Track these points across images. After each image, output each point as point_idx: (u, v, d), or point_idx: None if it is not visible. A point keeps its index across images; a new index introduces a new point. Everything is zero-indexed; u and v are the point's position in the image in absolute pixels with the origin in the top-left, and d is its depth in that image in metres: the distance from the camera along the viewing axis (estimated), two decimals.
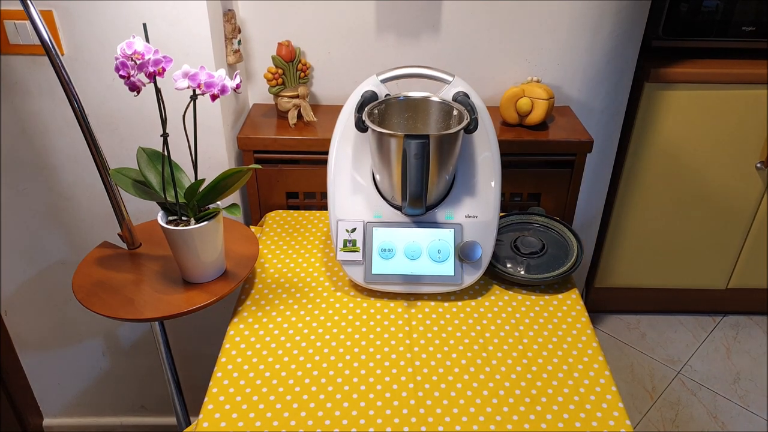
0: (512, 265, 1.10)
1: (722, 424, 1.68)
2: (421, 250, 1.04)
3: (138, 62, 0.83)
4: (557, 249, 1.14)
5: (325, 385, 0.89)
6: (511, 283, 1.10)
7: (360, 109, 1.01)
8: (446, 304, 1.05)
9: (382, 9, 1.31)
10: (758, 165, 1.70)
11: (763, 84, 1.58)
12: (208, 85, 0.86)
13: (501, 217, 1.18)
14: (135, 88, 0.84)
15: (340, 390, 0.89)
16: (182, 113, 0.87)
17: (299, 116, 1.33)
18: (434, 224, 1.06)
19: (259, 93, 1.42)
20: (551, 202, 1.37)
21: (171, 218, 0.98)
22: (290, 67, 1.31)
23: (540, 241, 1.14)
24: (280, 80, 1.31)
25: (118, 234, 1.08)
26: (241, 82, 0.90)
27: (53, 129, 1.22)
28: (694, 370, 1.85)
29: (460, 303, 1.05)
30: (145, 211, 1.27)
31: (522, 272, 1.09)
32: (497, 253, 1.11)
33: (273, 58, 1.30)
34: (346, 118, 1.07)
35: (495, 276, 1.11)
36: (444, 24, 1.33)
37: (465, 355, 0.94)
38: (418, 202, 0.97)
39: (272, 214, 1.31)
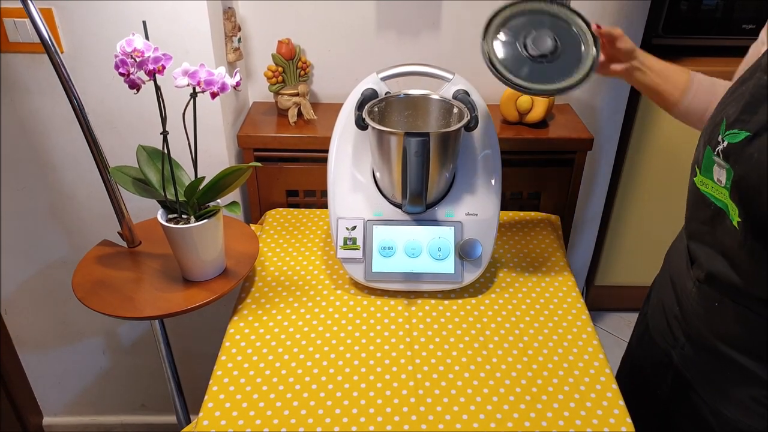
0: (515, 68, 0.94)
1: None
2: (422, 248, 1.04)
3: (138, 60, 0.82)
4: (570, 54, 0.95)
5: (325, 383, 0.89)
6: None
7: (360, 107, 1.01)
8: (446, 302, 1.05)
9: (383, 7, 1.31)
10: None
11: None
12: (208, 83, 0.86)
13: (512, 5, 1.01)
14: (135, 85, 0.84)
15: (340, 388, 0.88)
16: (182, 111, 0.87)
17: (299, 114, 1.33)
18: (434, 222, 1.05)
19: (259, 91, 1.42)
20: (551, 200, 1.37)
21: (171, 216, 0.98)
22: (290, 65, 1.31)
23: (554, 41, 0.95)
24: (280, 78, 1.31)
25: (118, 232, 1.08)
26: (241, 79, 0.90)
27: (53, 127, 1.21)
28: None
29: (460, 301, 1.05)
30: (145, 209, 1.27)
31: (526, 79, 0.93)
32: (500, 55, 0.97)
33: (273, 56, 1.30)
34: (346, 116, 1.07)
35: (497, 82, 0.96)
36: (444, 22, 1.33)
37: (465, 353, 0.94)
38: (419, 200, 0.97)
39: (272, 212, 1.30)
